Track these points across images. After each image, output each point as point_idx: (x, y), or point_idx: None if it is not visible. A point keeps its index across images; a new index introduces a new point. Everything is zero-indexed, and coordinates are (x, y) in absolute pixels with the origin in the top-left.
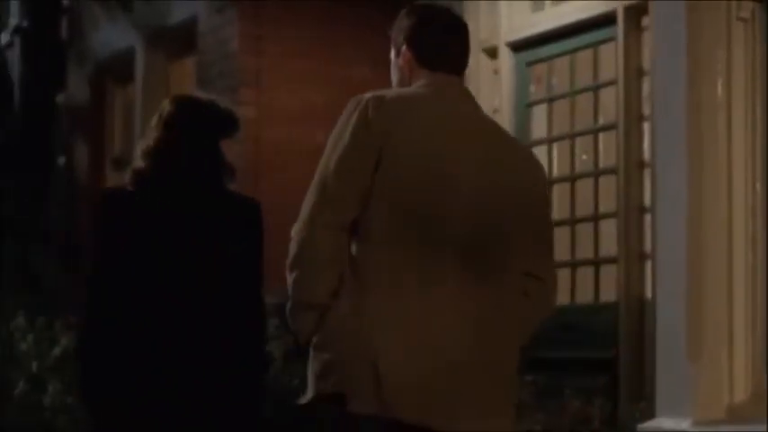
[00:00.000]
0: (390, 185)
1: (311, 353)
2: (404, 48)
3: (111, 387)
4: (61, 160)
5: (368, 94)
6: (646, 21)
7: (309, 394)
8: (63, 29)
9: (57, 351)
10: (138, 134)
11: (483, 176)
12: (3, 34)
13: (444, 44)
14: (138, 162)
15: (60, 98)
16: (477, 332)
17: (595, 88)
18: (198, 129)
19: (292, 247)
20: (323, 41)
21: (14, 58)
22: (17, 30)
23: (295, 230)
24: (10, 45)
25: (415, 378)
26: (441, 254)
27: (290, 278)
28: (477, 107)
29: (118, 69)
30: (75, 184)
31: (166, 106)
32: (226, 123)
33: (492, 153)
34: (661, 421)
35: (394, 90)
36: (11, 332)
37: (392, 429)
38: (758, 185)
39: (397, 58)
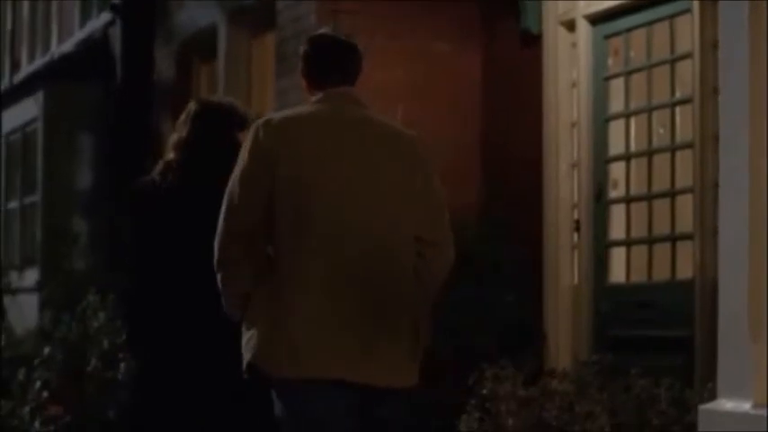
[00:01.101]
0: (284, 192)
1: (242, 330)
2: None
3: (152, 344)
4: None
5: (260, 120)
6: None
7: (243, 364)
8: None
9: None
10: None
11: (360, 169)
12: (104, 13)
13: (328, 63)
14: (169, 154)
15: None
16: (374, 301)
17: (672, 61)
18: (218, 125)
19: (215, 252)
20: (400, 16)
21: (116, 35)
22: (113, 7)
23: (216, 239)
24: (112, 23)
25: (320, 344)
26: (336, 242)
27: (218, 278)
28: (362, 109)
29: (202, 46)
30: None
31: (192, 107)
32: (242, 121)
33: (369, 148)
34: (721, 403)
35: (283, 112)
36: (83, 310)
37: (309, 386)
38: None
39: None
